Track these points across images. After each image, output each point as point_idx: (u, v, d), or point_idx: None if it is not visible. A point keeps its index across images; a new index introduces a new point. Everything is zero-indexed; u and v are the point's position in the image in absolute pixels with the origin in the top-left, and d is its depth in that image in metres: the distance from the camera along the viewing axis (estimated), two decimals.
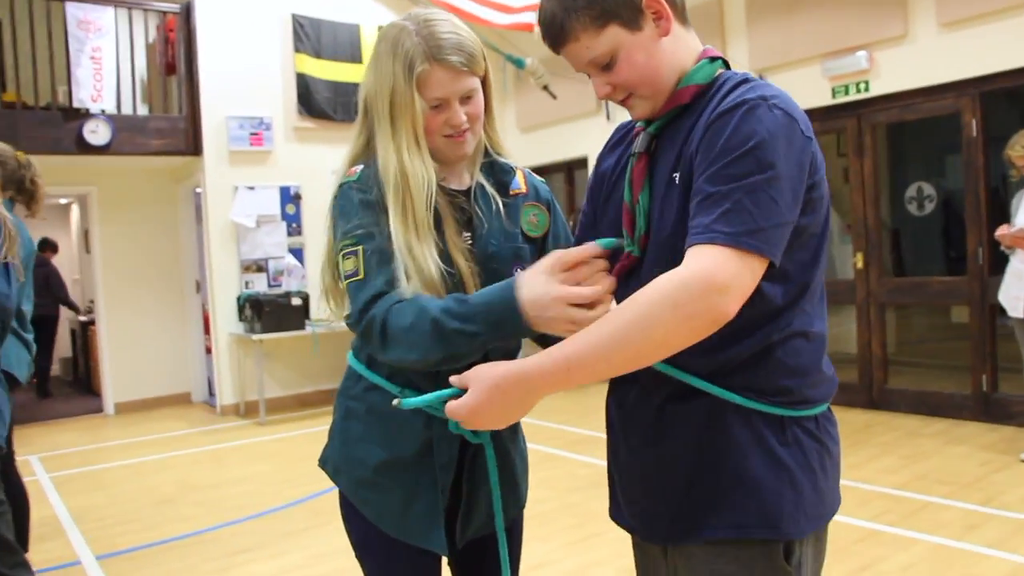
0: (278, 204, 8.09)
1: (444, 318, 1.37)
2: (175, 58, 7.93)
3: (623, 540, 3.27)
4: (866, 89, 6.24)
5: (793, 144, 1.24)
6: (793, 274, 1.29)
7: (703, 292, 1.14)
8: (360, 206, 1.51)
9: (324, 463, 1.73)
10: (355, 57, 8.40)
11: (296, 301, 7.63)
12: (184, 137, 7.76)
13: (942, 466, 4.87)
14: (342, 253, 1.51)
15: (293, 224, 8.17)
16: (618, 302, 1.30)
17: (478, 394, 1.22)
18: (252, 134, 7.97)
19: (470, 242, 1.59)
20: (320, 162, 8.19)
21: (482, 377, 1.23)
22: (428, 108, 1.51)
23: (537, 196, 1.72)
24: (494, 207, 1.62)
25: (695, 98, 1.35)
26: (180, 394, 8.67)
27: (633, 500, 1.45)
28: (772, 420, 1.32)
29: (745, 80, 1.33)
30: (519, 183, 1.70)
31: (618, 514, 1.53)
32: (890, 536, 3.83)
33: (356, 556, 1.69)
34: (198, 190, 8.23)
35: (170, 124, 7.74)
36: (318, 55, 8.22)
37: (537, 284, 1.33)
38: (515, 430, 1.75)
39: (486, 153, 1.68)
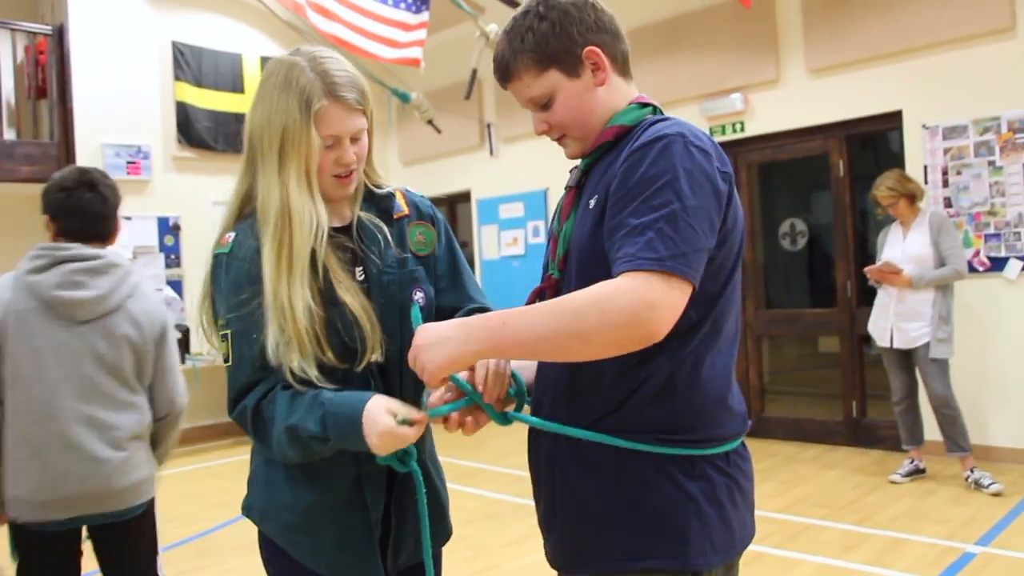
0: (156, 235, 7.81)
1: (301, 424, 1.43)
2: (46, 81, 7.56)
3: (519, 571, 3.27)
4: (742, 129, 6.55)
5: (708, 178, 1.30)
6: (699, 302, 1.33)
7: (631, 304, 1.20)
8: (232, 280, 1.52)
9: (248, 510, 1.68)
10: (237, 87, 8.24)
11: (176, 335, 7.33)
12: (56, 164, 7.37)
13: (819, 489, 5.10)
14: (219, 334, 1.55)
15: (172, 255, 7.90)
16: None
17: (424, 330, 1.36)
18: (129, 163, 7.68)
19: (362, 277, 1.59)
20: (201, 192, 7.96)
21: (426, 325, 1.39)
22: (322, 146, 1.51)
23: (419, 214, 1.73)
24: (381, 238, 1.62)
25: (619, 137, 1.43)
26: None
27: (547, 530, 1.49)
28: (681, 459, 1.36)
29: (666, 119, 1.41)
30: (400, 206, 1.70)
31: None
32: (775, 558, 3.97)
33: None
34: None
35: (40, 150, 7.36)
36: (199, 84, 8.02)
37: (378, 408, 1.42)
38: (435, 461, 1.75)
39: (366, 188, 1.68)
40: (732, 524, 1.39)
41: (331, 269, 1.53)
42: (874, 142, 6.48)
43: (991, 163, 5.39)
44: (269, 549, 1.64)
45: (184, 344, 7.40)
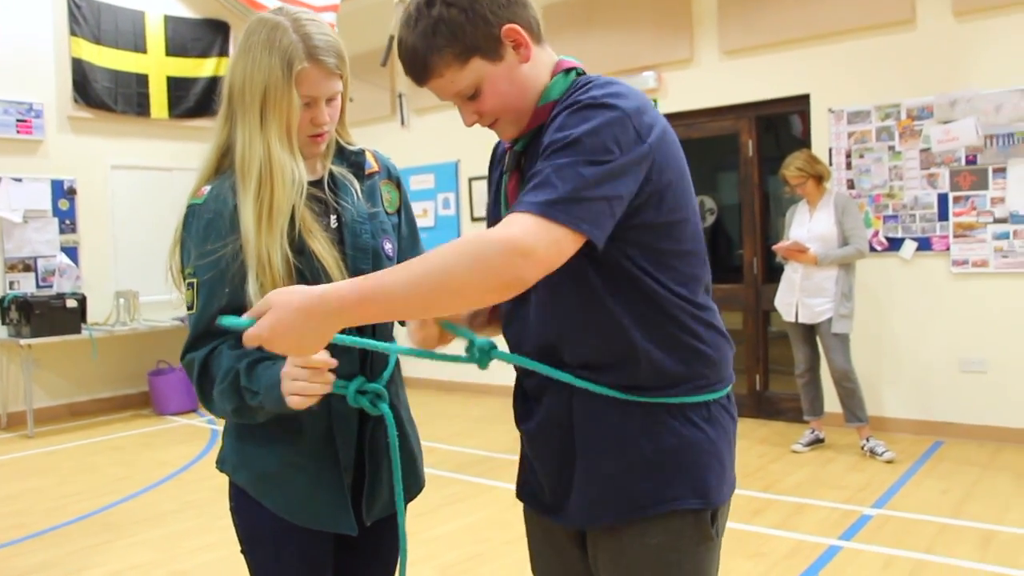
0: (49, 198, 7.42)
1: (243, 379, 1.47)
2: None
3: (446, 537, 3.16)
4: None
5: (621, 136, 1.27)
6: (675, 264, 1.38)
7: (505, 251, 1.16)
8: (205, 229, 1.55)
9: (221, 463, 1.69)
10: (139, 46, 7.90)
11: (71, 303, 7.02)
12: None
13: None
14: (184, 283, 1.59)
15: (67, 221, 7.53)
16: (505, 323, 1.48)
17: (280, 314, 1.21)
18: (19, 120, 7.26)
19: (336, 225, 1.63)
20: (99, 155, 7.64)
21: (282, 299, 1.22)
22: (301, 105, 1.55)
23: (389, 174, 1.80)
24: (352, 191, 1.67)
25: (550, 114, 1.41)
26: None
27: (557, 490, 1.48)
28: (699, 404, 1.42)
29: (588, 81, 1.39)
30: (371, 163, 1.75)
31: (528, 495, 1.57)
32: None
33: (242, 551, 1.65)
34: None
35: None
36: (97, 41, 7.64)
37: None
38: (407, 411, 1.77)
39: (337, 145, 1.72)
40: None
41: (304, 220, 1.57)
42: (776, 125, 6.69)
43: (891, 148, 5.64)
44: (239, 499, 1.65)
45: (81, 313, 7.09)
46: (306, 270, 1.55)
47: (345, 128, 1.73)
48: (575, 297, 1.37)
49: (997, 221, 5.32)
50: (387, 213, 1.73)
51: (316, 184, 1.65)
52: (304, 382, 1.39)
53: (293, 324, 1.20)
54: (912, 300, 5.63)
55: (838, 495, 4.46)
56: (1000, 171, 5.29)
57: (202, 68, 8.35)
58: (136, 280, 7.68)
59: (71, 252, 7.56)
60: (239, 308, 1.53)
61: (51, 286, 7.38)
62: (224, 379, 1.49)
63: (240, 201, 1.53)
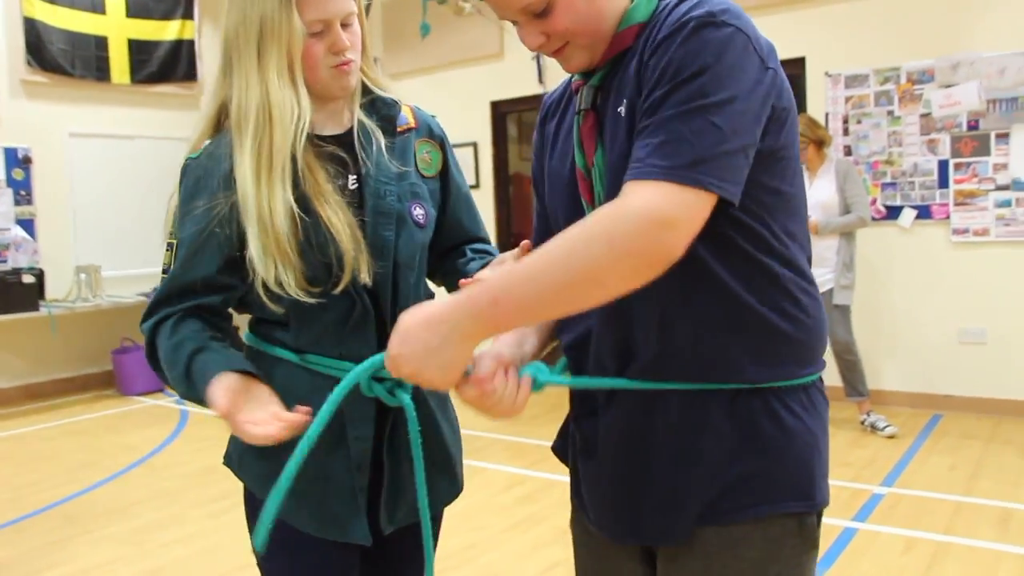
0: (2, 168, 7.00)
1: (194, 358, 1.32)
2: None
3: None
4: None
5: (747, 64, 1.08)
6: (781, 211, 1.15)
7: (644, 226, 1.00)
8: (195, 185, 1.40)
9: (228, 459, 1.53)
10: (96, 6, 7.43)
11: (28, 279, 6.64)
12: None
13: None
14: (166, 243, 1.44)
15: (22, 192, 7.10)
16: (560, 327, 1.25)
17: (404, 327, 1.07)
18: None
19: (356, 186, 1.45)
20: (55, 122, 7.20)
21: (407, 314, 1.08)
22: (307, 34, 1.36)
23: (431, 133, 1.60)
24: (375, 144, 1.48)
25: (637, 38, 1.17)
26: None
27: (614, 502, 1.25)
28: (797, 389, 1.19)
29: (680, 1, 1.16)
30: (407, 118, 1.56)
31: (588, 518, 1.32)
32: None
33: (257, 563, 1.44)
34: None
35: None
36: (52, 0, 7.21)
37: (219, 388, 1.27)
38: (444, 399, 1.52)
39: (366, 91, 1.52)
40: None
41: (311, 178, 1.39)
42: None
43: (890, 113, 5.45)
44: (250, 500, 1.48)
45: (39, 289, 6.72)
46: (312, 235, 1.36)
47: (371, 66, 1.52)
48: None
49: (999, 188, 5.16)
50: (424, 176, 1.54)
51: (342, 137, 1.46)
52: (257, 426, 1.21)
53: (419, 337, 1.05)
54: (911, 270, 5.46)
55: (844, 472, 4.28)
56: (1003, 137, 5.12)
57: (165, 31, 7.92)
58: (98, 254, 7.31)
59: (27, 225, 7.14)
60: (229, 285, 1.37)
61: (6, 261, 6.98)
62: (169, 361, 1.34)
63: (236, 156, 1.35)
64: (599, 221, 1.02)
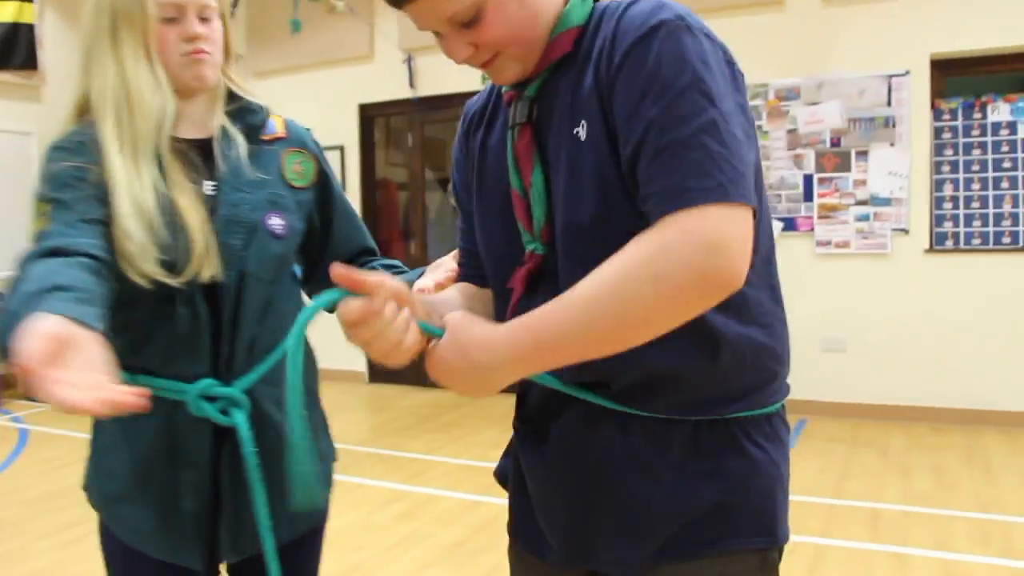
0: None
1: (17, 290, 1.09)
2: None
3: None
4: None
5: (724, 70, 1.02)
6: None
7: (693, 256, 0.90)
8: (62, 155, 1.32)
9: (84, 485, 1.47)
10: None
11: None
12: None
13: None
14: (37, 219, 1.29)
15: None
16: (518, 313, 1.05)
17: (452, 350, 1.00)
18: None
19: (213, 192, 1.40)
20: None
21: (457, 334, 1.00)
22: (160, 19, 1.34)
23: (303, 145, 1.55)
24: (235, 151, 1.43)
25: (575, 44, 1.08)
26: None
27: (569, 521, 1.16)
28: (761, 419, 1.12)
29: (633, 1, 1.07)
30: (276, 127, 1.52)
31: (535, 544, 1.22)
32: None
33: None
34: None
35: None
36: None
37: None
38: (301, 409, 1.31)
39: (233, 97, 1.48)
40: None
41: (171, 171, 1.35)
42: None
43: (759, 127, 5.63)
44: (101, 531, 1.44)
45: None
46: (167, 223, 1.30)
47: (237, 76, 1.48)
48: None
49: (859, 203, 5.42)
50: (294, 187, 1.50)
51: (204, 143, 1.42)
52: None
53: (459, 366, 1.00)
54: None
55: None
56: (862, 154, 5.38)
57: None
58: None
59: None
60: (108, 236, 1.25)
61: None
62: None
63: (101, 139, 1.31)
64: (642, 255, 0.92)
